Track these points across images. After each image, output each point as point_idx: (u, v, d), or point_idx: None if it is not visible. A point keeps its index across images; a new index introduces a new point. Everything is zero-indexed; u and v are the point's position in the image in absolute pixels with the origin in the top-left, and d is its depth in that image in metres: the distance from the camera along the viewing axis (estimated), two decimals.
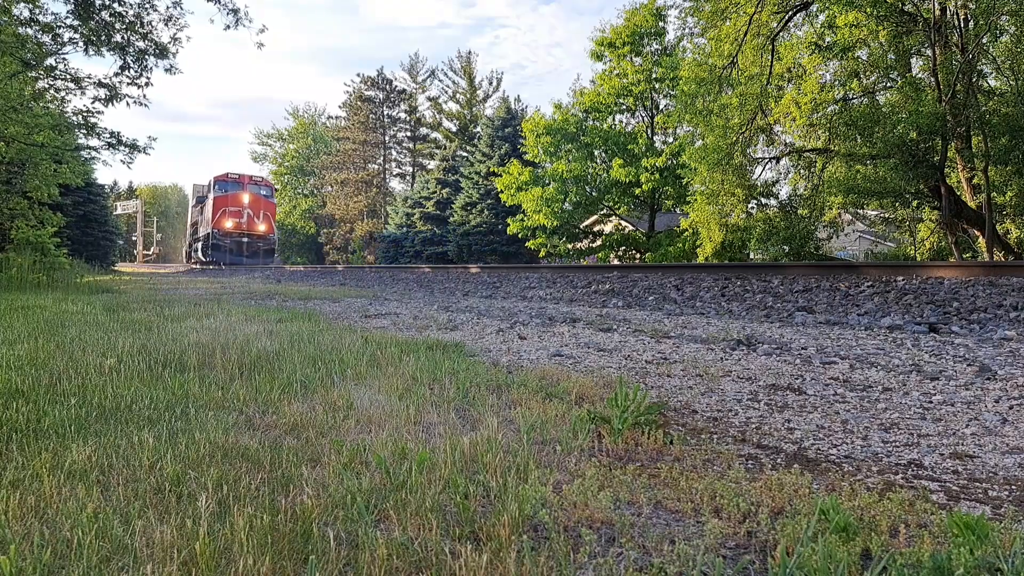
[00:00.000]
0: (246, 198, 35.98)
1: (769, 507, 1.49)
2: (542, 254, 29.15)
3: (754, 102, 14.52)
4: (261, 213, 36.40)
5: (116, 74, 12.81)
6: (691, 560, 1.24)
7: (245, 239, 35.87)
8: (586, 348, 3.98)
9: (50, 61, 13.07)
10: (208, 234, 35.51)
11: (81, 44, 12.18)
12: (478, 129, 46.74)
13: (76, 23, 11.96)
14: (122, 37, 12.13)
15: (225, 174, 36.79)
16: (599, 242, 26.83)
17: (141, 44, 12.36)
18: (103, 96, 13.22)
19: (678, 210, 25.62)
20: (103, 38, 11.97)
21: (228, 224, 35.18)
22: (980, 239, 13.74)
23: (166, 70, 13.00)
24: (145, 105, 13.47)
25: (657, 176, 22.74)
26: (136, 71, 12.61)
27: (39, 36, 12.31)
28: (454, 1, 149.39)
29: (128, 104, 13.36)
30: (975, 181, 13.15)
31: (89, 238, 31.55)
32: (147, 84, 13.00)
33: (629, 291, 8.06)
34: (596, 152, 25.15)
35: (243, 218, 35.74)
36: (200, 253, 38.43)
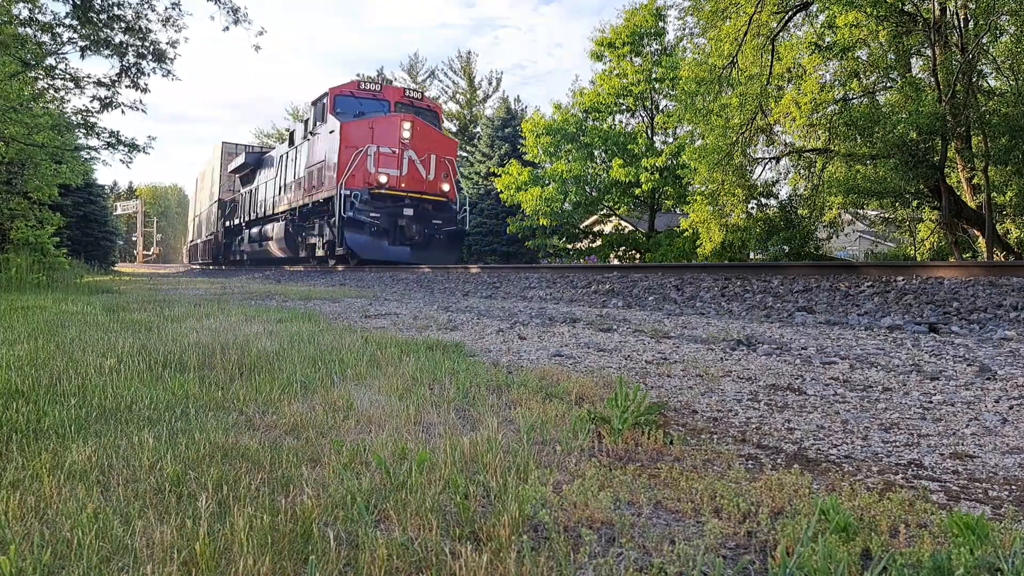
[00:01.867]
0: (406, 128, 17.18)
1: (769, 507, 1.49)
2: (541, 254, 29.15)
3: (754, 102, 14.53)
4: (433, 159, 17.76)
5: (113, 80, 12.82)
6: (691, 560, 1.24)
7: (408, 210, 16.99)
8: (586, 348, 3.98)
9: (50, 61, 13.07)
10: (335, 199, 16.72)
11: (79, 45, 12.19)
12: (478, 129, 46.71)
13: (75, 23, 11.97)
14: (120, 41, 12.13)
15: (354, 83, 18.94)
16: (599, 242, 26.85)
17: (139, 47, 12.37)
18: (100, 96, 13.23)
19: (678, 210, 25.64)
20: (102, 40, 11.97)
21: (381, 178, 16.68)
22: (980, 239, 13.75)
23: (163, 75, 13.02)
24: (142, 110, 13.50)
25: (657, 176, 22.76)
26: (134, 75, 12.62)
27: (38, 36, 12.31)
28: (454, 1, 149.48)
29: (123, 111, 13.41)
30: (975, 181, 13.16)
31: (89, 238, 31.45)
32: (144, 90, 13.00)
33: (629, 291, 8.06)
34: (596, 152, 25.17)
35: (402, 167, 17.16)
36: (284, 244, 20.48)
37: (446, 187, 17.86)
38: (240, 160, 26.83)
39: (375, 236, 16.54)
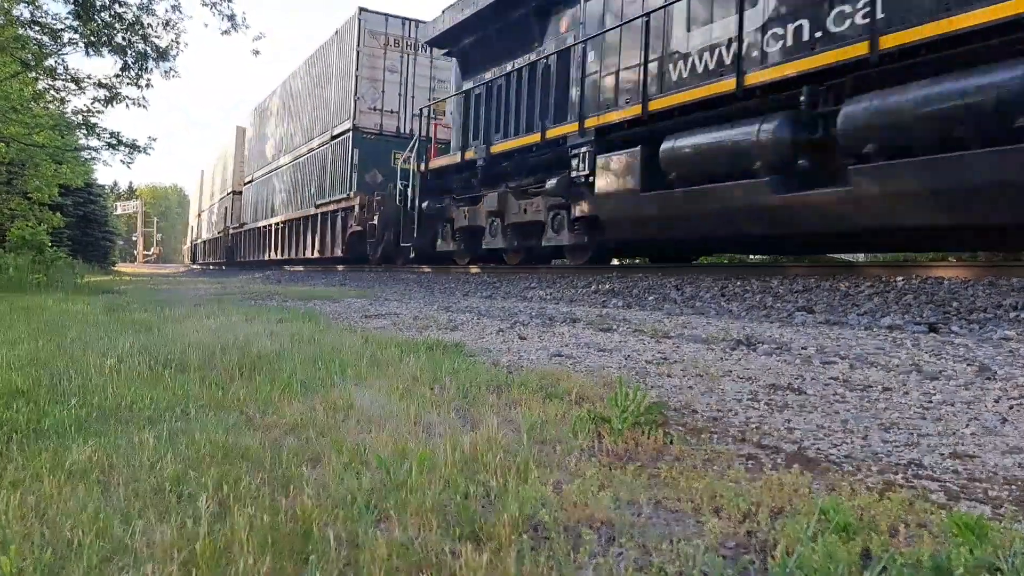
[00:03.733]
0: None
1: (769, 507, 1.49)
2: None
3: None
4: None
5: (116, 75, 12.91)
6: (691, 560, 1.24)
7: None
8: (586, 348, 3.98)
9: (50, 62, 13.11)
10: None
11: (81, 45, 12.24)
12: None
13: (76, 24, 12.00)
14: (123, 38, 12.19)
15: None
16: None
17: (141, 46, 12.43)
18: (103, 97, 13.32)
19: None
20: (103, 39, 12.02)
21: None
22: None
23: (164, 73, 13.08)
24: (144, 106, 13.59)
25: None
26: (136, 72, 12.70)
27: (39, 37, 12.35)
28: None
29: (127, 106, 13.51)
30: None
31: (89, 238, 31.49)
32: (147, 85, 13.10)
33: (629, 291, 8.06)
34: None
35: None
36: None
37: None
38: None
39: None
